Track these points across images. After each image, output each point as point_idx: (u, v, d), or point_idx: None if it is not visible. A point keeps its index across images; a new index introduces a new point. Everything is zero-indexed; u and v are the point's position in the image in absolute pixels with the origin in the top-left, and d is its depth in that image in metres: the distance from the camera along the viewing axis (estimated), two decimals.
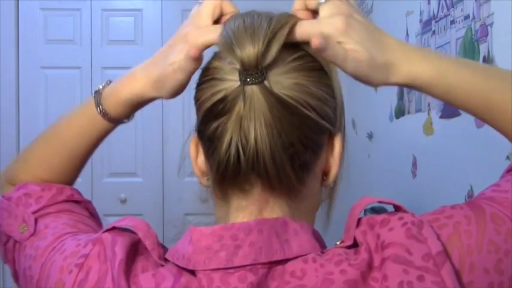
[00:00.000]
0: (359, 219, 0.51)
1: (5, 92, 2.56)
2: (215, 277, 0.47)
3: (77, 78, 2.62)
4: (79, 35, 2.62)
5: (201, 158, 0.57)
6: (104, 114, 0.61)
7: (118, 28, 2.64)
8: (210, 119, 0.50)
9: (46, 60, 2.61)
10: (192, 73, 0.55)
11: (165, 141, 2.64)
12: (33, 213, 0.61)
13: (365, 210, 0.54)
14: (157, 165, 2.64)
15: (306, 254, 0.49)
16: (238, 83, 0.49)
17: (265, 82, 0.48)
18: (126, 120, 0.64)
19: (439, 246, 0.47)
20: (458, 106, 0.55)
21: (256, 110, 0.48)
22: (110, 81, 0.63)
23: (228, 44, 0.49)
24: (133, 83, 0.59)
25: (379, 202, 0.52)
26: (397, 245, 0.47)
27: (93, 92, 0.62)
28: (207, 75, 0.52)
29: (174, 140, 2.61)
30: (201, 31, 0.54)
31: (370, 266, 0.47)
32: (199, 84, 0.53)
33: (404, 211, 0.51)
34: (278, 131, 0.48)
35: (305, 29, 0.50)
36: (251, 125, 0.48)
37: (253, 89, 0.48)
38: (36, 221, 0.60)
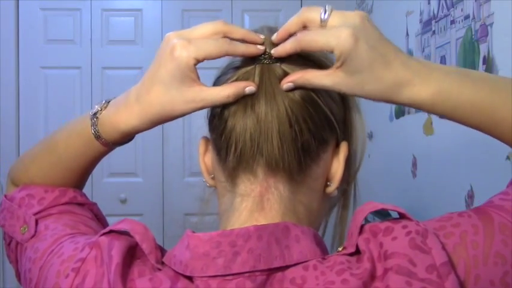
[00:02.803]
0: (362, 226, 0.50)
1: (5, 92, 2.56)
2: (213, 284, 0.47)
3: (77, 78, 2.62)
4: (79, 35, 2.62)
5: (209, 156, 0.57)
6: (101, 139, 0.58)
7: (118, 28, 2.64)
8: None
9: (46, 60, 2.60)
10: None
11: (165, 141, 2.64)
12: (35, 214, 0.61)
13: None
14: (157, 165, 2.64)
15: (307, 261, 0.48)
16: (253, 66, 0.52)
17: (278, 64, 0.51)
18: (128, 142, 0.61)
19: (444, 256, 0.46)
20: (463, 123, 0.54)
21: (266, 85, 0.51)
22: (108, 102, 0.58)
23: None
24: (128, 116, 0.55)
25: (383, 209, 0.50)
26: (400, 256, 0.46)
27: (91, 114, 0.58)
28: (225, 67, 0.55)
29: (174, 140, 2.61)
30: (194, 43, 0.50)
31: (372, 275, 0.46)
32: (217, 78, 0.55)
33: (409, 219, 0.49)
34: (285, 107, 0.50)
35: (313, 38, 0.49)
36: (260, 101, 0.50)
37: (265, 68, 0.51)
38: (36, 222, 0.60)
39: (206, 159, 0.57)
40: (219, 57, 0.51)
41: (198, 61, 0.50)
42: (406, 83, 0.50)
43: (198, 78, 0.51)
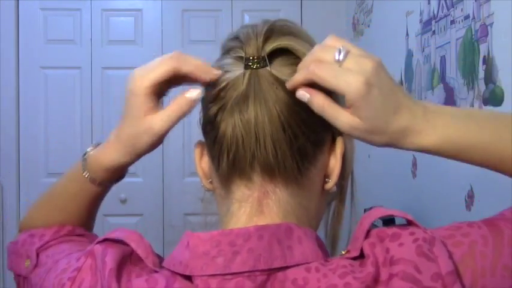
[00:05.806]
0: (368, 231, 0.49)
1: (5, 92, 2.56)
2: (212, 283, 0.47)
3: (77, 78, 2.62)
4: (79, 35, 2.62)
5: (205, 160, 0.57)
6: (92, 180, 0.61)
7: (118, 28, 2.64)
8: (212, 105, 0.52)
9: (46, 60, 2.61)
10: (163, 131, 0.55)
11: (165, 141, 2.62)
12: (37, 249, 0.63)
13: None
14: (157, 165, 2.64)
15: (309, 263, 0.48)
16: (242, 70, 0.51)
17: (267, 68, 0.51)
18: (118, 180, 0.64)
19: (450, 265, 0.46)
20: (467, 163, 0.54)
21: (255, 90, 0.50)
22: (98, 144, 0.61)
23: (234, 36, 0.53)
24: (109, 151, 0.58)
25: (391, 215, 0.50)
26: (406, 262, 0.46)
27: (82, 156, 0.62)
28: None
29: (174, 140, 2.61)
30: (145, 69, 0.53)
31: (375, 280, 0.46)
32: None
33: (417, 226, 0.49)
34: (277, 112, 0.49)
35: (325, 78, 0.47)
36: (251, 105, 0.49)
37: (254, 72, 0.51)
38: (38, 254, 0.62)
39: (203, 163, 0.57)
40: (169, 75, 0.51)
41: (150, 86, 0.51)
42: (411, 131, 0.50)
43: (156, 105, 0.52)
